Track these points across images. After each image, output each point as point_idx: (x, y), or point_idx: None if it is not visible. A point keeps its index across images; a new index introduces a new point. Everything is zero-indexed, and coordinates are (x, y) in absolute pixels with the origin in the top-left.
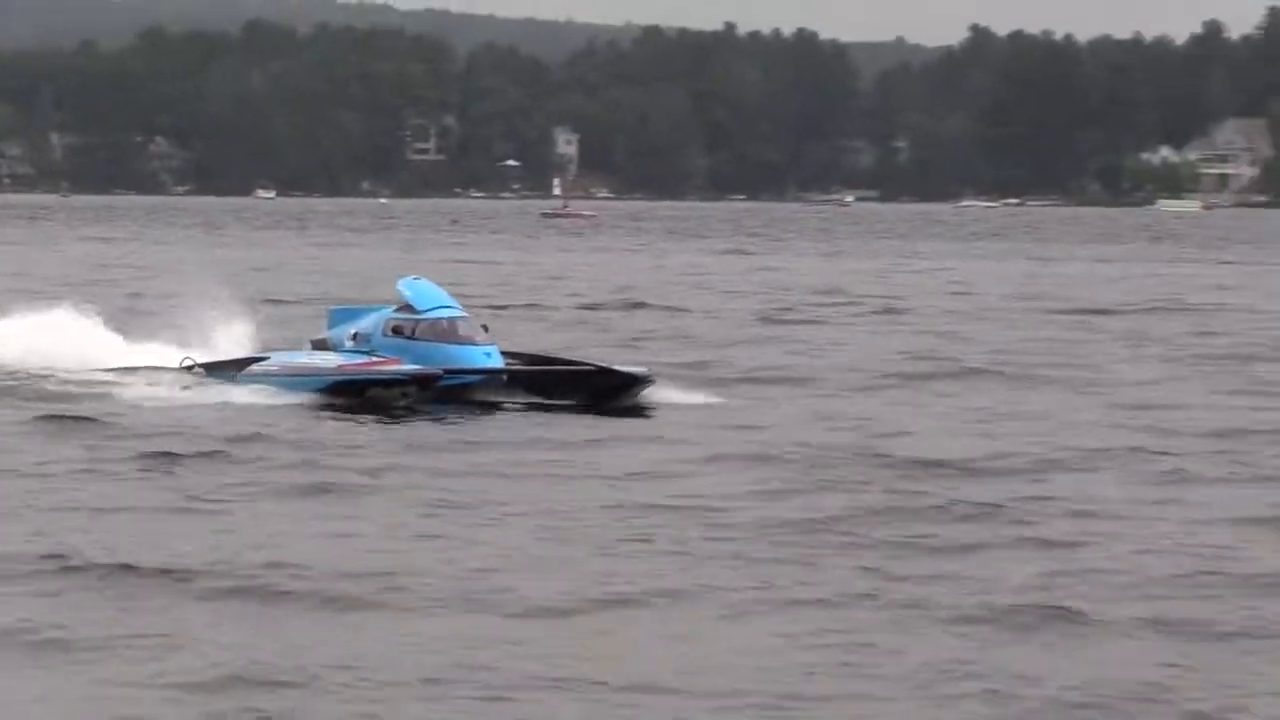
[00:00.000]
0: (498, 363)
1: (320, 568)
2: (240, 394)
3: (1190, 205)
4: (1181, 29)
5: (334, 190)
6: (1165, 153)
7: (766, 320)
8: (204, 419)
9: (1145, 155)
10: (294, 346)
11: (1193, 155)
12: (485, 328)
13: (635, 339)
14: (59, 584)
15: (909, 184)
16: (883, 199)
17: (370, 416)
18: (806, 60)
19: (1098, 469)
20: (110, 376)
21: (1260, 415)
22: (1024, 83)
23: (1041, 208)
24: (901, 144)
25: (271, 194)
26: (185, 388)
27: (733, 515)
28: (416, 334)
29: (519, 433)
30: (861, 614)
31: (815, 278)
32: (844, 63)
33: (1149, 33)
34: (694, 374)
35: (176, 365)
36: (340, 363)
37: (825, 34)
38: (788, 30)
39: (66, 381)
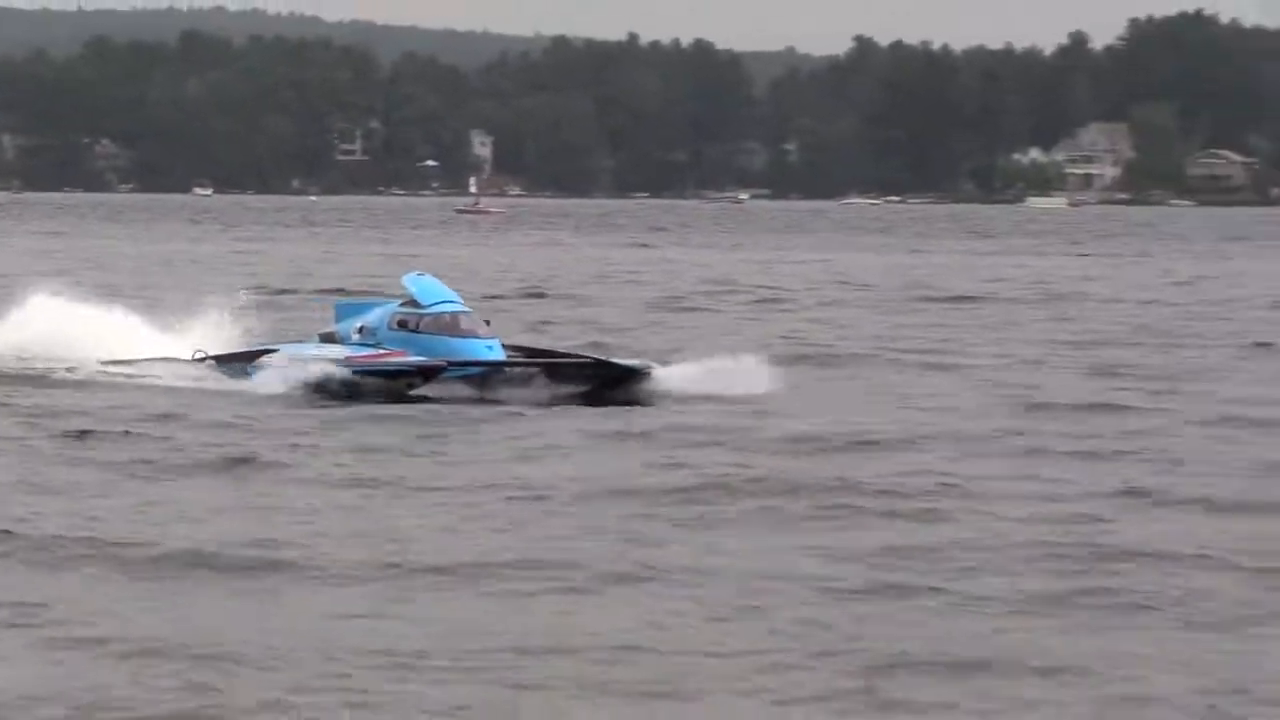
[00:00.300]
0: (499, 355)
1: (234, 540)
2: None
3: (1057, 203)
4: (1049, 40)
5: (266, 188)
6: (1034, 154)
7: (660, 308)
8: (130, 399)
9: (1016, 156)
10: (302, 339)
11: (1060, 156)
12: (487, 322)
13: (536, 325)
14: None
15: (799, 183)
16: (774, 197)
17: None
18: (703, 68)
19: (963, 446)
20: (123, 368)
21: (1114, 393)
22: (904, 89)
23: (920, 205)
24: (792, 146)
25: (209, 191)
26: (198, 378)
27: (614, 489)
28: (421, 327)
29: (439, 415)
30: (719, 585)
31: (708, 269)
32: (738, 71)
33: (1019, 43)
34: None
35: (188, 357)
36: (347, 355)
37: (721, 44)
38: (686, 40)
39: (71, 370)
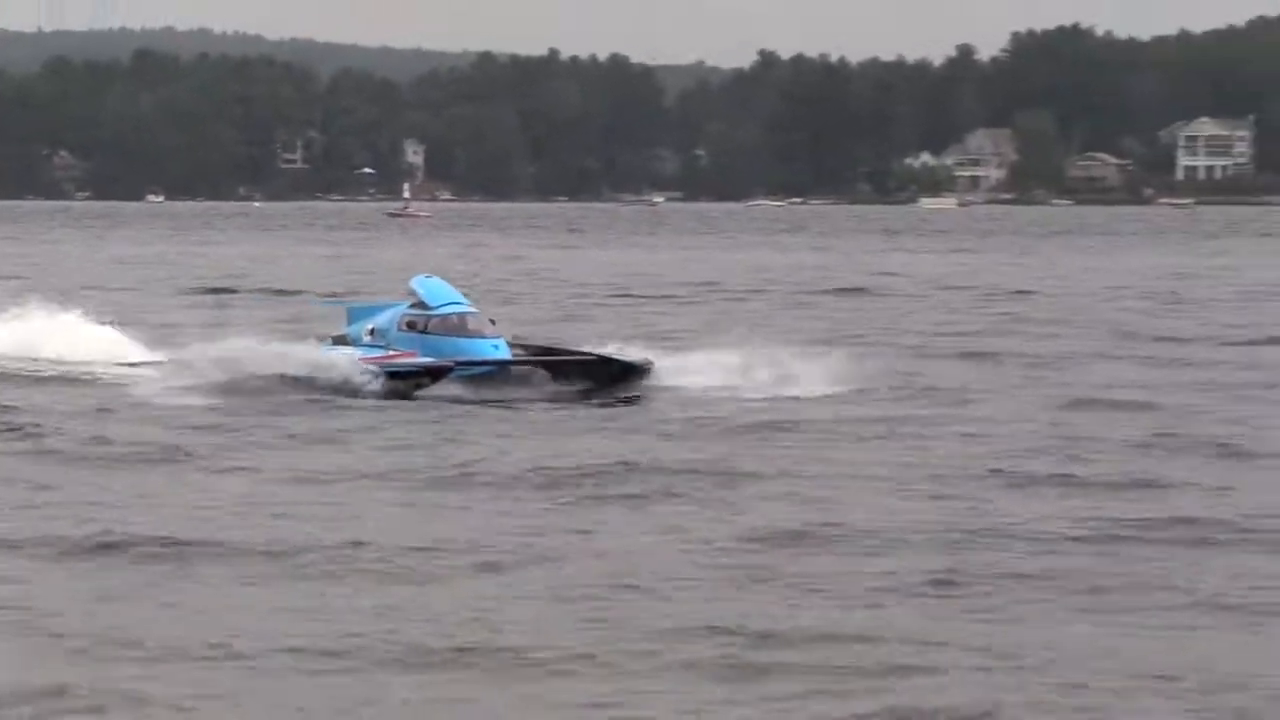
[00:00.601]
0: (505, 354)
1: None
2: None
3: (947, 203)
4: (938, 52)
5: (214, 195)
6: (925, 158)
7: (572, 301)
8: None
9: (908, 160)
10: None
11: (949, 160)
12: (493, 321)
13: None
14: None
15: (709, 186)
16: (686, 199)
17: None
18: (619, 81)
19: (834, 432)
20: (136, 370)
21: (972, 376)
22: (805, 99)
23: (821, 206)
24: (701, 152)
25: (160, 198)
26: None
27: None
28: (429, 329)
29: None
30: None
31: (622, 265)
32: (651, 82)
33: (910, 55)
34: None
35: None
36: (359, 356)
37: (635, 58)
38: (603, 55)
39: (81, 371)
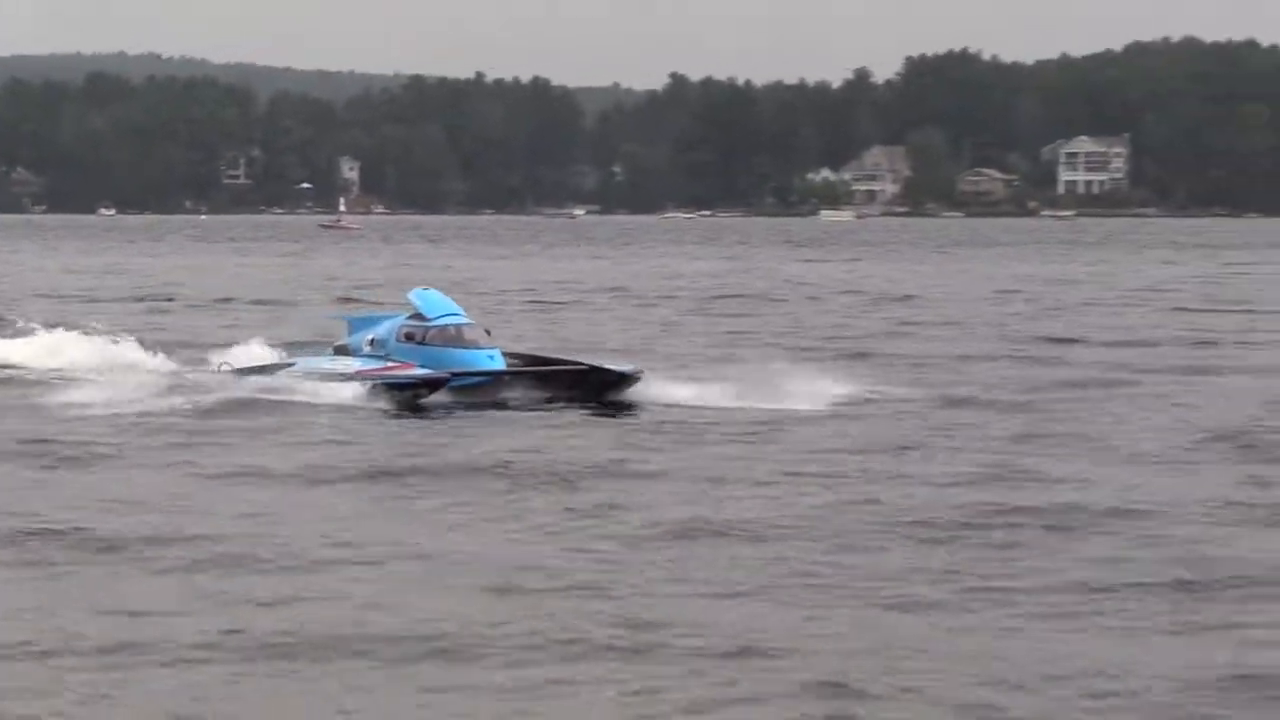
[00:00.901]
0: (500, 365)
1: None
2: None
3: (846, 215)
4: (837, 74)
5: (162, 208)
6: (825, 173)
7: (497, 306)
8: None
9: (810, 175)
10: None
11: (847, 175)
12: (488, 332)
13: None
14: None
15: (624, 200)
16: (603, 212)
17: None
18: (541, 102)
19: (727, 432)
20: (154, 379)
21: (863, 374)
22: (713, 119)
23: (728, 218)
24: (618, 168)
25: (112, 211)
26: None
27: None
28: (427, 340)
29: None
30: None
31: (541, 273)
32: (570, 104)
33: (811, 78)
34: None
35: (213, 370)
36: (359, 367)
37: (556, 81)
38: (525, 78)
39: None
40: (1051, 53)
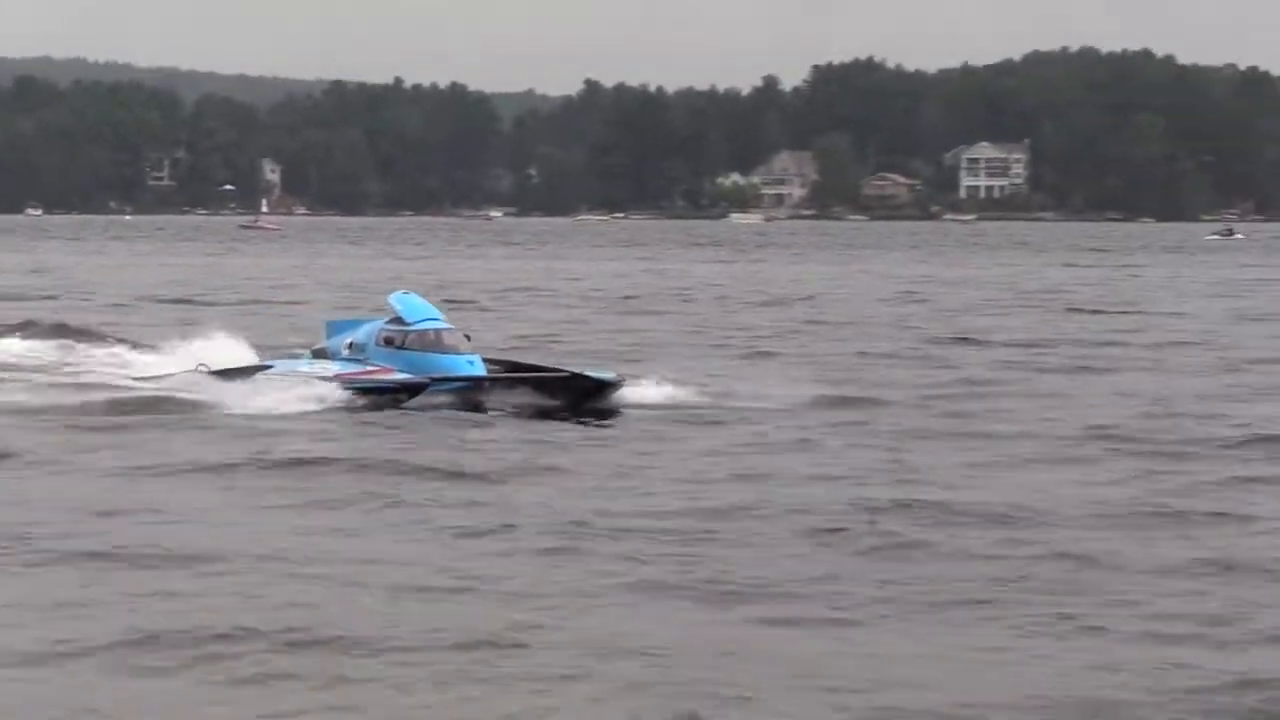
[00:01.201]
0: (480, 370)
1: None
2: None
3: (755, 218)
4: (746, 81)
5: (88, 208)
6: (735, 177)
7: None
8: None
9: (720, 179)
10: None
11: (756, 179)
12: (468, 337)
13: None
14: None
15: (540, 202)
16: (519, 214)
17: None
18: (458, 106)
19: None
20: (139, 383)
21: (755, 374)
22: (626, 124)
23: (641, 220)
24: (533, 171)
25: (39, 212)
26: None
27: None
28: (406, 344)
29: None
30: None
31: (457, 273)
32: (487, 109)
33: (721, 85)
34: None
35: (190, 370)
36: (337, 370)
37: (473, 86)
38: (443, 83)
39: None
40: (954, 62)
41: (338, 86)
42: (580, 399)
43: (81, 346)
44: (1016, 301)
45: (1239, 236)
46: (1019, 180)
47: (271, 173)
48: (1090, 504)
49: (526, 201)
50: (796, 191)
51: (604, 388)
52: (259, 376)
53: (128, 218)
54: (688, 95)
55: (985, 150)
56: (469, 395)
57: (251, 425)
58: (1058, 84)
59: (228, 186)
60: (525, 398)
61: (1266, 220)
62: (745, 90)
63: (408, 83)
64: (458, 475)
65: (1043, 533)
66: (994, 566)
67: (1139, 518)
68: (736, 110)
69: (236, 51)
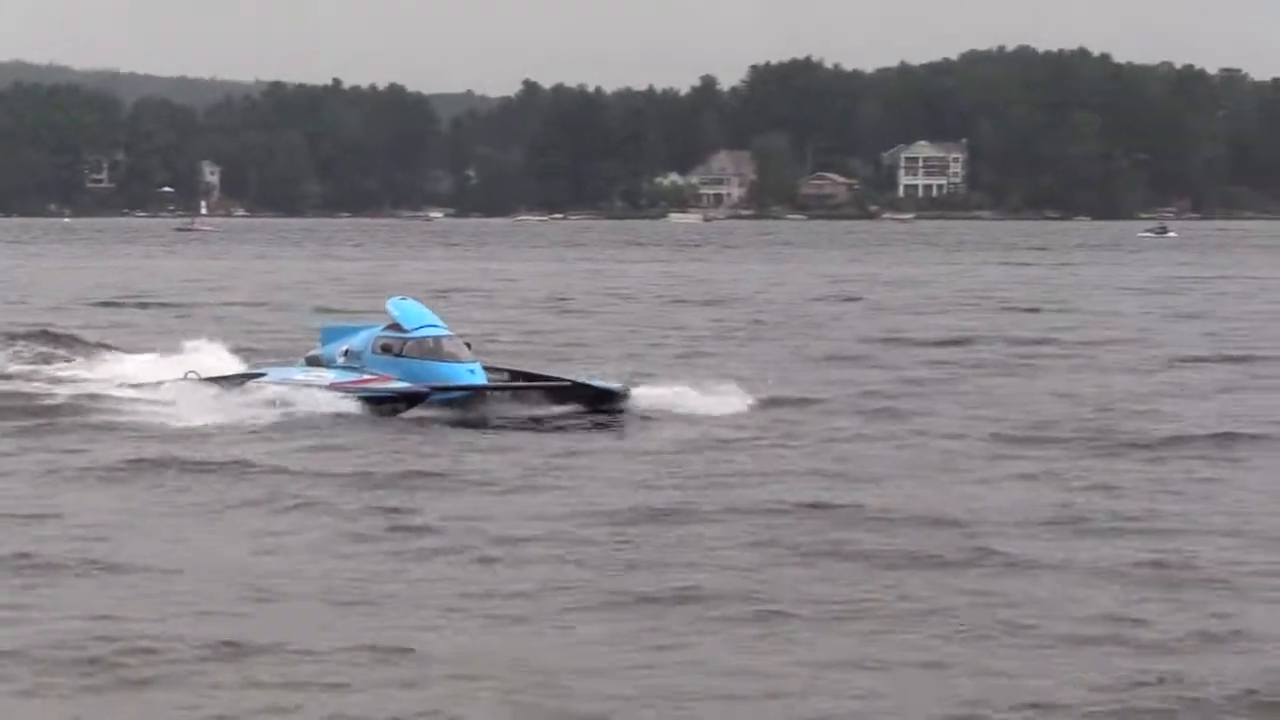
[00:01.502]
0: (480, 379)
1: None
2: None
3: (694, 217)
4: (684, 81)
5: (27, 211)
6: (674, 177)
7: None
8: None
9: (658, 179)
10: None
11: (694, 179)
12: (468, 345)
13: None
14: None
15: (479, 203)
16: (458, 215)
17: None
18: (396, 108)
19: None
20: (129, 391)
21: (685, 376)
22: (564, 124)
23: (579, 220)
24: (472, 172)
25: None
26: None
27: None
28: (404, 352)
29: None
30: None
31: (401, 274)
32: (425, 110)
33: (659, 85)
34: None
35: (180, 378)
36: (333, 379)
37: (411, 87)
38: (382, 85)
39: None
40: (891, 61)
41: (276, 88)
42: (584, 408)
43: (63, 352)
44: (953, 300)
45: (1172, 234)
46: (957, 179)
47: (211, 175)
48: (1022, 505)
49: (466, 202)
50: (735, 191)
51: (608, 397)
52: (250, 385)
53: (66, 220)
54: (626, 95)
55: (923, 149)
56: (470, 405)
57: (180, 432)
58: (995, 83)
59: (167, 189)
60: (529, 407)
61: (1202, 218)
62: (683, 90)
63: (346, 84)
64: (376, 482)
65: (974, 534)
66: (926, 569)
67: (1071, 518)
68: (674, 110)
69: (175, 53)
